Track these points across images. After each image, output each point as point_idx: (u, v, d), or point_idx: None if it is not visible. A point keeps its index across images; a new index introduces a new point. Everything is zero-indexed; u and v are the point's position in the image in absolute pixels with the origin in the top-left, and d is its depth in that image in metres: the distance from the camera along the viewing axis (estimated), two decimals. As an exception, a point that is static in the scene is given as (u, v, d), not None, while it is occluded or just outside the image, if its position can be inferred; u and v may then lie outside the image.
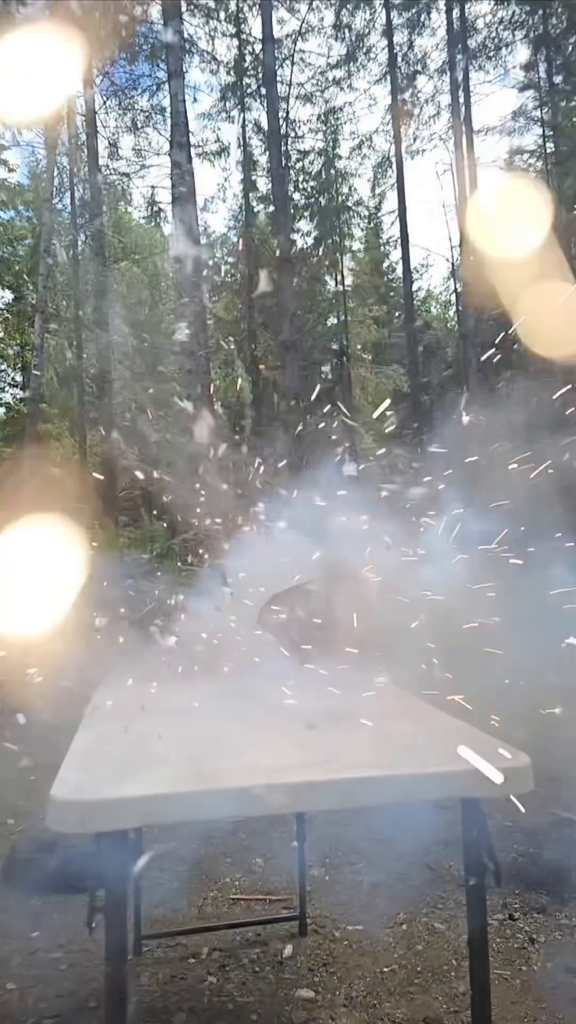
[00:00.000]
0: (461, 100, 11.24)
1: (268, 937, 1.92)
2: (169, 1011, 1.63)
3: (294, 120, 12.63)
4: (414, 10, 11.81)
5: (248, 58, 12.22)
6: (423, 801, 0.96)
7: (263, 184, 13.43)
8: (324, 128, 13.01)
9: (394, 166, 12.62)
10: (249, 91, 12.55)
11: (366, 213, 15.65)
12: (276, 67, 10.97)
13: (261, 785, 0.88)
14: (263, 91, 11.30)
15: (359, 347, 16.05)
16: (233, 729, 1.17)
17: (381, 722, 1.21)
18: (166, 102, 10.19)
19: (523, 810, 0.97)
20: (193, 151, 11.20)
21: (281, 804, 0.89)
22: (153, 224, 17.26)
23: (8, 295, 15.45)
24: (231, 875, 2.32)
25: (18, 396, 17.46)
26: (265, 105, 11.19)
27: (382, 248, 18.59)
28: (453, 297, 17.88)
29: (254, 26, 12.23)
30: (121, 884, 0.91)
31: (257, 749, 1.04)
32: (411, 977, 1.73)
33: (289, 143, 12.17)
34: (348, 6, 11.76)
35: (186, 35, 10.10)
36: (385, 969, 1.77)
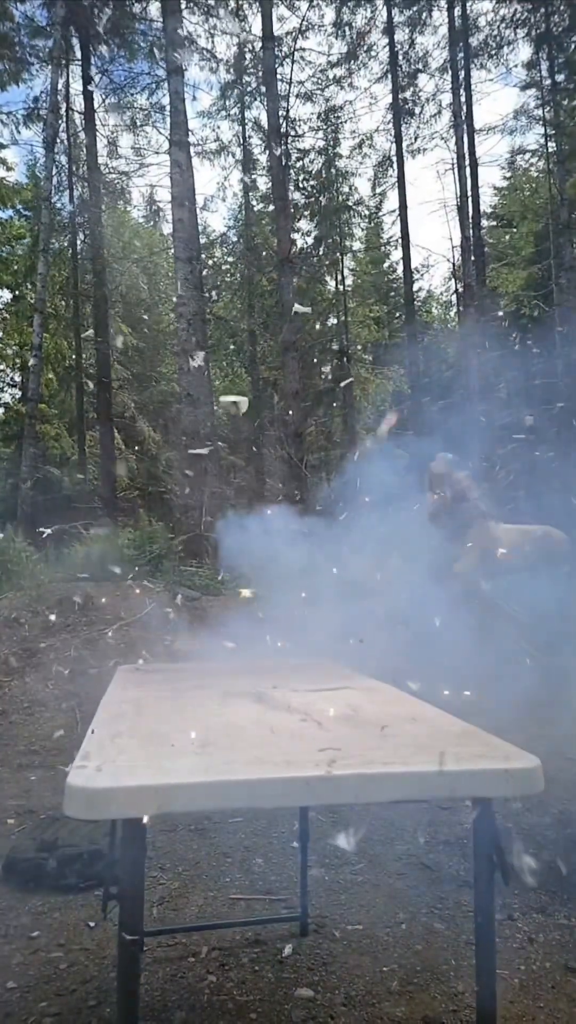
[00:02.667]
0: (463, 99, 11.23)
1: (268, 936, 1.93)
2: (168, 1010, 1.64)
3: (294, 119, 12.61)
4: (415, 8, 11.79)
5: (248, 56, 12.20)
6: (436, 799, 0.98)
7: (263, 183, 13.43)
8: (324, 127, 13.00)
9: (395, 165, 12.61)
10: (249, 89, 12.54)
11: (367, 212, 15.64)
12: (276, 65, 10.95)
13: (278, 778, 0.89)
14: (263, 89, 11.29)
15: (359, 347, 16.05)
16: (248, 722, 1.19)
17: (388, 720, 1.22)
18: (165, 100, 10.21)
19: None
20: (193, 150, 11.20)
21: (295, 797, 0.90)
22: (152, 224, 17.25)
23: (7, 295, 15.44)
24: (231, 874, 2.33)
25: (16, 396, 17.46)
26: (265, 103, 11.18)
27: (383, 248, 18.57)
28: (454, 298, 17.88)
29: (254, 24, 12.23)
30: (137, 868, 0.93)
31: (269, 743, 1.04)
32: (410, 977, 1.74)
33: (289, 142, 12.15)
34: (349, 4, 11.74)
35: (185, 32, 10.08)
36: (384, 969, 1.77)
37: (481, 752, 1.00)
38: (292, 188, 12.50)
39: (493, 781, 0.94)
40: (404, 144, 12.49)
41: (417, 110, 12.63)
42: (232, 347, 15.61)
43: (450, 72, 11.59)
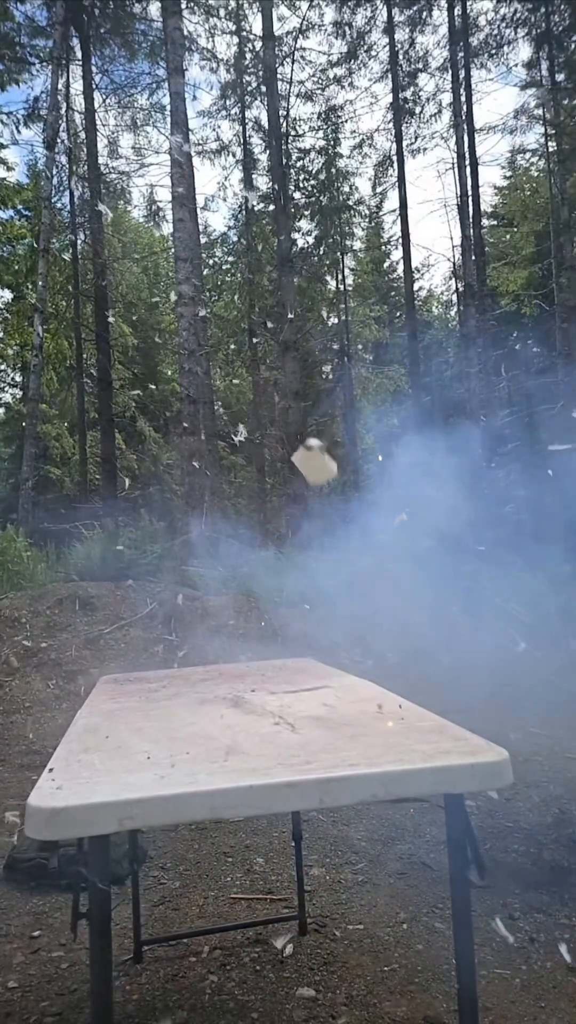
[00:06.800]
0: (463, 98, 11.22)
1: (269, 936, 1.93)
2: (170, 1010, 1.64)
3: (295, 118, 12.61)
4: (415, 7, 11.78)
5: (248, 56, 12.20)
6: (405, 798, 0.97)
7: (263, 183, 13.42)
8: (325, 126, 12.99)
9: (395, 165, 12.61)
10: (249, 89, 12.54)
11: (367, 212, 15.64)
12: (276, 65, 10.95)
13: (239, 787, 0.88)
14: (263, 89, 11.28)
15: (360, 347, 16.05)
16: (219, 729, 1.18)
17: (361, 719, 1.21)
18: (165, 100, 10.21)
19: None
20: (193, 149, 11.21)
21: (259, 805, 0.89)
22: (152, 223, 17.24)
23: (8, 295, 15.45)
24: (231, 874, 2.33)
25: (17, 396, 17.46)
26: (265, 103, 11.18)
27: (383, 247, 18.57)
28: (454, 297, 17.87)
29: (254, 23, 12.24)
30: (104, 891, 0.91)
31: (237, 750, 1.04)
32: (411, 976, 1.74)
33: (289, 141, 12.15)
34: (349, 3, 11.73)
35: (186, 32, 10.08)
36: (386, 968, 1.77)
37: (448, 748, 1.00)
38: (292, 188, 12.50)
39: (459, 776, 0.93)
40: (404, 144, 12.48)
41: (417, 110, 12.63)
42: (232, 347, 15.60)
43: (450, 71, 11.58)
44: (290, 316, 9.60)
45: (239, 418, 14.46)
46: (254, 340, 13.03)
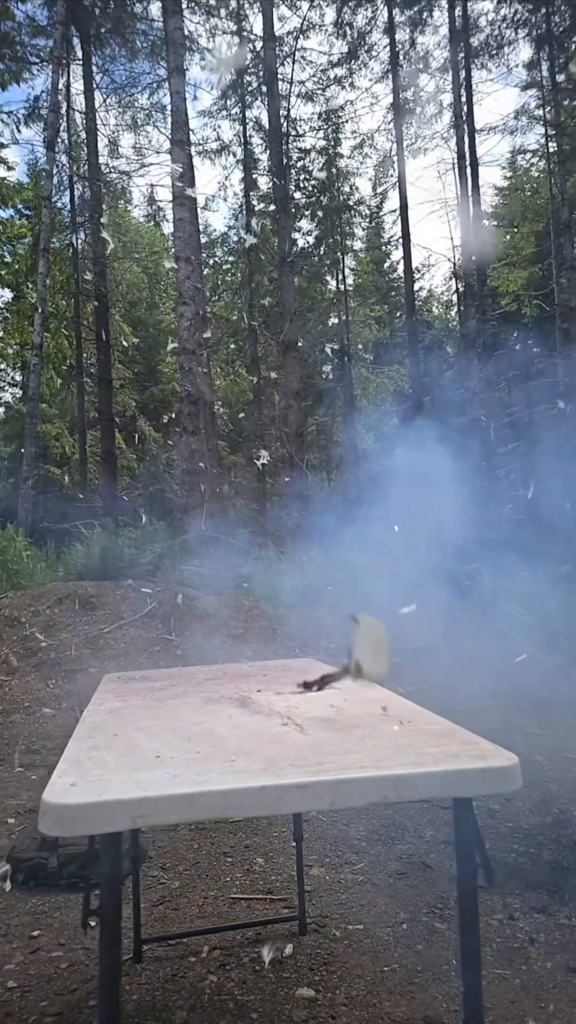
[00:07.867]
0: (463, 99, 11.22)
1: (269, 936, 1.93)
2: (169, 1010, 1.64)
3: (295, 118, 12.61)
4: (416, 8, 11.78)
5: (249, 56, 12.20)
6: (413, 801, 0.97)
7: (264, 183, 13.42)
8: (325, 127, 12.99)
9: (395, 165, 12.62)
10: (250, 89, 12.54)
11: (367, 212, 15.64)
12: (277, 65, 10.95)
13: (251, 787, 0.89)
14: (264, 89, 11.28)
15: (360, 347, 16.05)
16: (227, 729, 1.18)
17: (369, 721, 1.21)
18: (166, 100, 10.21)
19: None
20: (194, 149, 11.21)
21: (270, 805, 0.90)
22: (153, 223, 17.25)
23: (8, 294, 15.45)
24: (231, 874, 2.33)
25: (17, 395, 17.46)
26: (266, 103, 11.17)
27: (383, 248, 18.57)
28: (455, 297, 17.88)
29: (255, 23, 12.24)
30: (115, 886, 0.92)
31: (247, 750, 1.04)
32: (411, 976, 1.73)
33: (290, 142, 12.15)
34: (350, 3, 11.73)
35: (187, 32, 10.08)
36: (385, 968, 1.77)
37: (457, 751, 1.00)
38: (293, 188, 12.50)
39: (469, 780, 0.93)
40: (404, 144, 12.49)
41: (418, 110, 12.64)
42: (232, 347, 15.60)
43: (451, 72, 11.58)
44: (290, 319, 9.60)
45: (238, 417, 14.45)
46: (256, 343, 13.03)
